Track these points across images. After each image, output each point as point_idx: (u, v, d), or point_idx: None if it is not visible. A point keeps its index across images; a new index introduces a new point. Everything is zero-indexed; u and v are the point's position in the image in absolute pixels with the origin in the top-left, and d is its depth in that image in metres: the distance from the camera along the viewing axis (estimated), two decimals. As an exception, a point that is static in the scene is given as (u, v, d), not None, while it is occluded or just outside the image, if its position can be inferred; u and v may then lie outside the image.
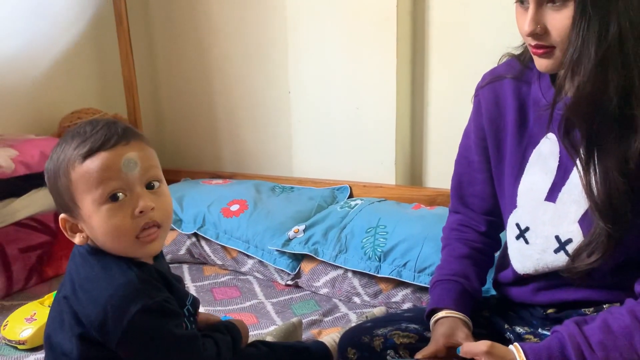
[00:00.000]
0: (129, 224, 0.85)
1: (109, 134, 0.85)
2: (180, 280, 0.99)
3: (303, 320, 1.41)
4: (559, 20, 0.86)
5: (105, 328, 0.83)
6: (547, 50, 0.89)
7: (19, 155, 1.68)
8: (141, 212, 0.85)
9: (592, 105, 0.86)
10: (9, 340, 1.35)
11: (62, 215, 0.89)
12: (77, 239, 0.89)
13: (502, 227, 1.10)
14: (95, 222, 0.85)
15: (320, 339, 1.26)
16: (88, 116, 2.00)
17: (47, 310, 1.36)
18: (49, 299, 1.42)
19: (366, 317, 1.37)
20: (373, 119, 1.87)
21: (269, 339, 1.23)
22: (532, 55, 0.93)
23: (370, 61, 1.83)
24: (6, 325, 1.38)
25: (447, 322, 1.00)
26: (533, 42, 0.90)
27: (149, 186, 0.87)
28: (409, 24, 1.81)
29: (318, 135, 1.99)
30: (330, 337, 1.27)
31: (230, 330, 1.03)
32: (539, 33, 0.88)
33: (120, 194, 0.84)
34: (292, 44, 1.95)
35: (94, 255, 0.88)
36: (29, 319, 1.36)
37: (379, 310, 1.41)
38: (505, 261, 1.08)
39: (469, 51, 1.75)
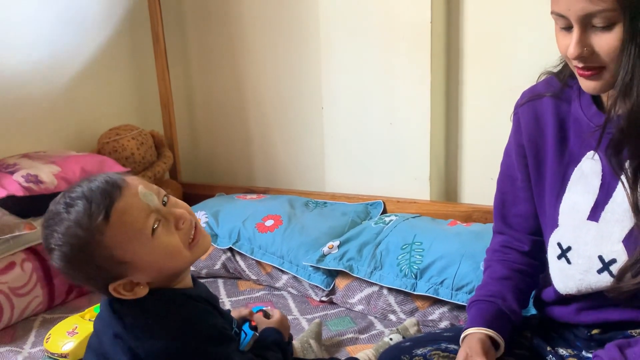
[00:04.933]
0: (178, 238, 0.89)
1: (109, 184, 0.85)
2: (217, 301, 1.02)
3: (339, 337, 1.41)
4: (607, 42, 0.84)
5: None
6: (596, 72, 0.87)
7: (60, 172, 1.72)
8: (181, 221, 0.89)
9: None
10: (52, 354, 1.37)
11: (112, 286, 0.86)
12: (141, 291, 0.88)
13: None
14: (151, 259, 0.86)
15: (354, 356, 1.26)
16: (126, 132, 2.05)
17: (88, 324, 1.39)
18: (89, 312, 1.45)
19: (397, 330, 1.36)
20: (407, 134, 1.87)
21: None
22: (579, 77, 0.91)
23: (404, 77, 1.83)
24: (49, 338, 1.41)
25: (468, 338, 0.99)
26: (580, 65, 0.88)
27: (163, 202, 0.90)
28: (443, 39, 1.81)
29: (351, 150, 2.00)
30: (364, 353, 1.27)
31: (280, 346, 1.05)
32: (585, 56, 0.86)
33: (155, 223, 0.87)
34: (326, 59, 1.96)
35: (136, 307, 0.88)
36: (71, 332, 1.39)
37: (409, 322, 1.40)
38: (547, 279, 1.06)
39: (503, 67, 1.74)
